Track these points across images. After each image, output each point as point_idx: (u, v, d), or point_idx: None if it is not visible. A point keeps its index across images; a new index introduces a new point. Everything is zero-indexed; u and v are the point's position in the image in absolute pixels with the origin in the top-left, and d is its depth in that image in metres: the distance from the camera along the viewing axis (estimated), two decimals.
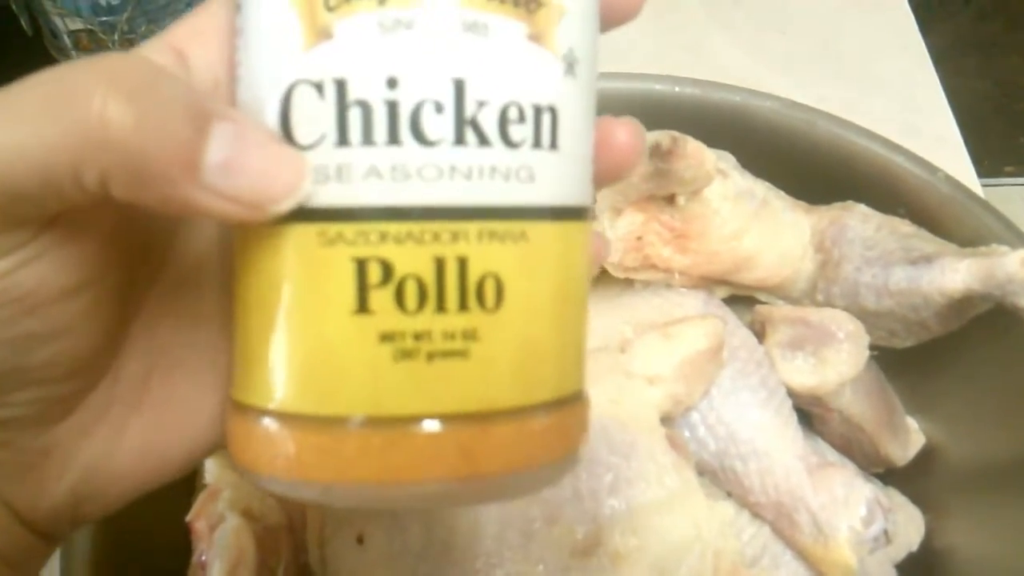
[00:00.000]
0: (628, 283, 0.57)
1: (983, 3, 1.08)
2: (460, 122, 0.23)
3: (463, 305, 0.23)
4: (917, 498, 0.60)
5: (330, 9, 0.22)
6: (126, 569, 0.48)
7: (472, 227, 0.23)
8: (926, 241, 0.55)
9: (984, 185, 0.78)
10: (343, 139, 0.23)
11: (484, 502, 0.42)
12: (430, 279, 0.23)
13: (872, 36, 0.93)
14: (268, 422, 0.24)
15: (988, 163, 0.89)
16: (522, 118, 0.23)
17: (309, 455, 0.24)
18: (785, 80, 0.86)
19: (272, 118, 0.23)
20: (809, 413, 0.58)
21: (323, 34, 0.22)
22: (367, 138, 0.22)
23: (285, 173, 0.22)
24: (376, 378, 0.23)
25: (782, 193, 0.59)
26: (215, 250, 0.29)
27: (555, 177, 0.24)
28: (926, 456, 0.61)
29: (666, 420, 0.51)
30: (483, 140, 0.23)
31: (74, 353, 0.25)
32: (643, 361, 0.51)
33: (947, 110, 0.86)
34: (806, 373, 0.54)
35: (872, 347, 0.56)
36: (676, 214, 0.55)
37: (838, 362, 0.54)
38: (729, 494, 0.53)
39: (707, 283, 0.58)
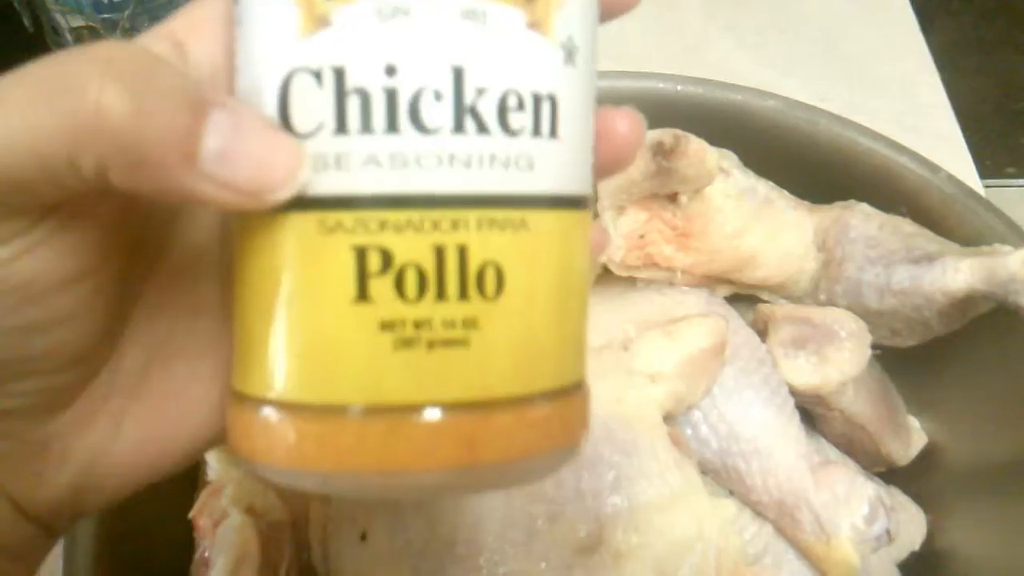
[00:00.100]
0: (631, 281, 0.57)
1: (985, 3, 1.08)
2: (459, 110, 0.23)
3: (463, 293, 0.23)
4: (919, 497, 0.60)
5: None
6: (129, 565, 0.48)
7: (472, 215, 0.23)
8: (928, 240, 0.55)
9: (986, 186, 0.78)
10: (341, 127, 0.22)
11: (484, 491, 0.42)
12: (430, 267, 0.23)
13: (874, 36, 0.93)
14: (268, 411, 0.24)
15: (990, 163, 0.89)
16: (521, 106, 0.23)
17: (309, 444, 0.24)
18: (787, 79, 0.86)
19: (270, 106, 0.23)
20: (811, 412, 0.58)
21: (321, 22, 0.22)
22: (366, 126, 0.22)
23: (283, 161, 0.22)
24: (376, 367, 0.23)
25: (784, 192, 0.59)
26: (215, 240, 0.29)
27: (555, 165, 0.24)
28: (928, 455, 0.61)
29: (668, 418, 0.51)
30: (482, 128, 0.23)
31: (73, 343, 0.25)
32: (645, 359, 0.51)
33: (949, 110, 0.86)
34: (808, 372, 0.54)
35: (874, 346, 0.56)
36: (678, 212, 0.55)
37: (840, 361, 0.54)
38: (731, 492, 0.53)
39: (709, 282, 0.58)
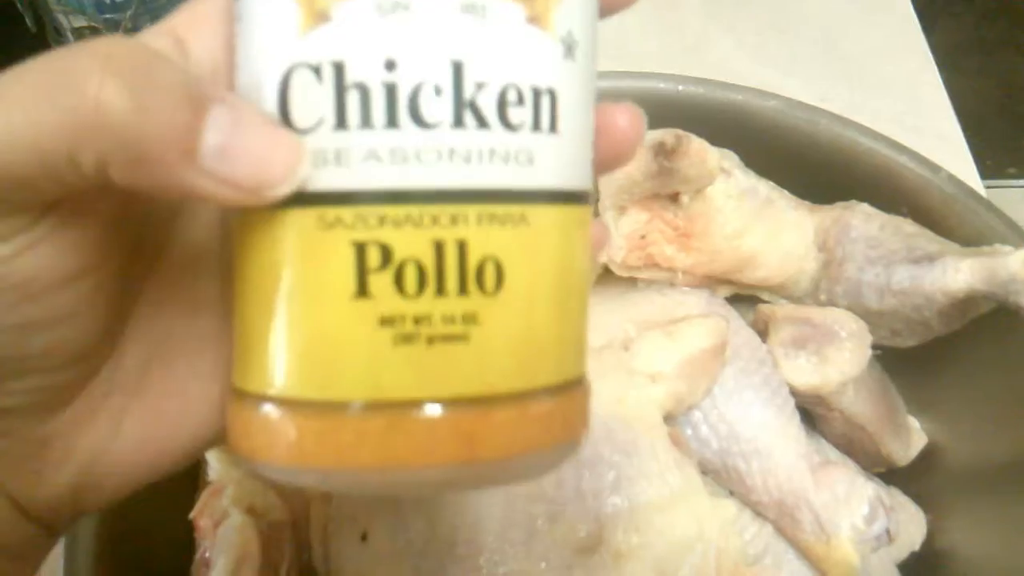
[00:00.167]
0: (631, 282, 0.57)
1: (987, 4, 1.08)
2: (459, 105, 0.23)
3: (463, 289, 0.23)
4: (919, 498, 0.60)
5: None
6: (129, 565, 0.48)
7: (471, 210, 0.23)
8: (929, 240, 0.55)
9: (987, 186, 0.78)
10: (341, 122, 0.22)
11: (485, 487, 0.42)
12: (430, 263, 0.23)
13: (875, 36, 0.93)
14: (268, 408, 0.24)
15: (991, 164, 0.89)
16: (521, 101, 0.23)
17: (309, 441, 0.24)
18: (788, 80, 0.86)
19: (270, 102, 0.23)
20: (811, 412, 0.58)
21: (321, 17, 0.22)
22: (365, 121, 0.22)
23: (283, 157, 0.22)
24: (376, 362, 0.23)
25: (785, 192, 0.59)
26: (215, 237, 0.29)
27: (555, 160, 0.24)
28: (928, 456, 0.61)
29: (669, 418, 0.51)
30: (482, 123, 0.23)
31: (74, 341, 0.25)
32: (646, 359, 0.51)
33: (950, 110, 0.86)
34: (809, 372, 0.54)
35: (874, 346, 0.56)
36: (679, 213, 0.55)
37: (841, 361, 0.54)
38: (731, 493, 0.53)
39: (710, 282, 0.58)
